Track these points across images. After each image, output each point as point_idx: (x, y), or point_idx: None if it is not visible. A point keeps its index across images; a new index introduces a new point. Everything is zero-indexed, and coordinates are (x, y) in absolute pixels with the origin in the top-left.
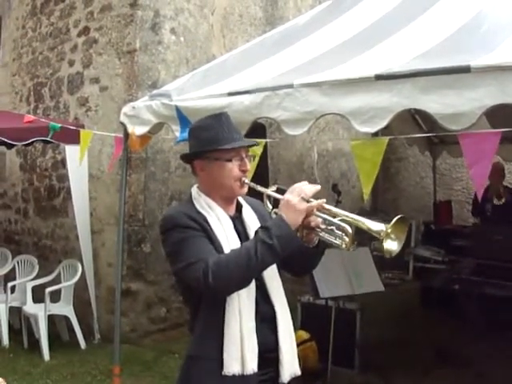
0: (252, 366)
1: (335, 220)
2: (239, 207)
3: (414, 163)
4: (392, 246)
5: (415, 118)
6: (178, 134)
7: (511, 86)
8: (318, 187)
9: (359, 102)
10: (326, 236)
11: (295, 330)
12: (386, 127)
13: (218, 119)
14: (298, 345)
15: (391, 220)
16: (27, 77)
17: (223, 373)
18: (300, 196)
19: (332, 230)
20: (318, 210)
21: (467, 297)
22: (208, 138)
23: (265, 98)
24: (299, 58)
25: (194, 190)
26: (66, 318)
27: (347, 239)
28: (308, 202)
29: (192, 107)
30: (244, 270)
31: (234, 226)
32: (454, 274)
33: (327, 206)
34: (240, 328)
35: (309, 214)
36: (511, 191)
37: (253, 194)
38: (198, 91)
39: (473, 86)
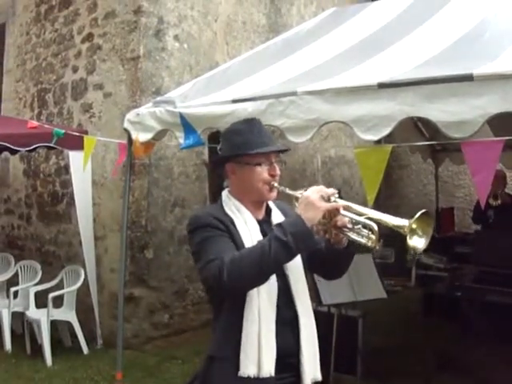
0: (269, 369)
1: (361, 218)
2: (268, 211)
3: (416, 170)
4: (418, 242)
5: (417, 126)
6: (182, 140)
7: None
8: (335, 190)
9: (362, 109)
10: (354, 236)
11: None
12: (389, 135)
13: (250, 124)
14: None
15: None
16: (31, 83)
17: (239, 374)
18: (319, 194)
19: (359, 229)
20: (345, 209)
21: (469, 304)
22: (239, 143)
23: (268, 106)
24: (303, 66)
25: (225, 194)
26: (69, 324)
27: (373, 237)
28: (330, 201)
29: (196, 114)
30: (257, 266)
31: (262, 230)
32: (457, 282)
33: (352, 205)
34: (258, 330)
35: (335, 213)
36: (511, 196)
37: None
38: (201, 98)
39: (475, 94)
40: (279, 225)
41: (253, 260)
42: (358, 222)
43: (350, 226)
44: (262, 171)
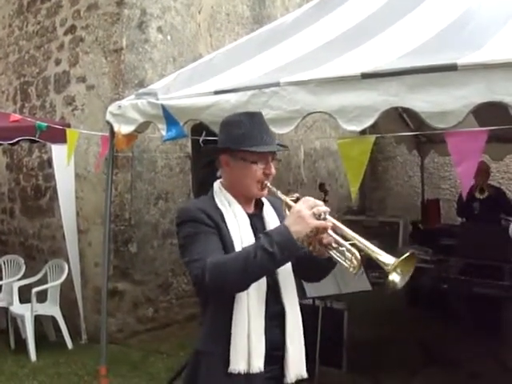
0: (258, 365)
1: (346, 243)
2: (260, 205)
3: (401, 162)
4: (396, 279)
5: (403, 117)
6: (164, 132)
7: (498, 84)
8: (328, 209)
9: (345, 100)
10: (337, 255)
11: None
12: (374, 126)
13: (251, 118)
14: None
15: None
16: (13, 76)
17: (229, 370)
18: (312, 210)
19: (343, 250)
20: (333, 229)
21: (455, 296)
22: (237, 136)
23: (251, 97)
24: (286, 57)
25: (217, 185)
26: (53, 319)
27: (356, 263)
28: (320, 218)
29: (178, 106)
30: (240, 274)
31: (252, 224)
32: (442, 274)
33: (342, 227)
34: (248, 326)
35: (321, 231)
36: (495, 188)
37: None
38: (184, 90)
39: (460, 84)
40: (266, 234)
41: (237, 266)
42: (342, 245)
43: (334, 245)
44: (257, 170)
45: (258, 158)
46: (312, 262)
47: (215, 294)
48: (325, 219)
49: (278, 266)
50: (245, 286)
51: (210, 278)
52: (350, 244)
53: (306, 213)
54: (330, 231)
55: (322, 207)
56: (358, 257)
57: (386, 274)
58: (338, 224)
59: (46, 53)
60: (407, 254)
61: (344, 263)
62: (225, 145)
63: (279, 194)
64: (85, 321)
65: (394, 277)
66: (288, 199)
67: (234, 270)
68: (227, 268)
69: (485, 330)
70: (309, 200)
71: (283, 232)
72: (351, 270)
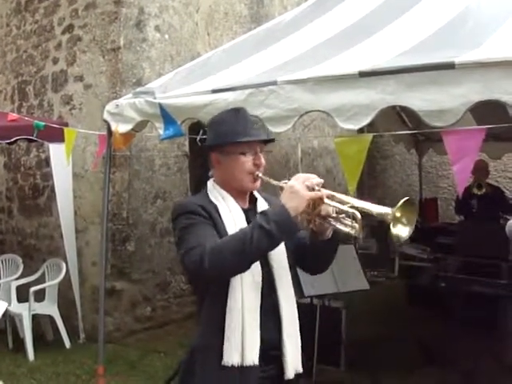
0: (252, 358)
1: (344, 207)
2: (254, 200)
3: (400, 161)
4: (401, 231)
5: (401, 116)
6: (161, 131)
7: (496, 82)
8: (321, 180)
9: (343, 98)
10: (338, 225)
11: None
12: (372, 125)
13: (235, 114)
14: None
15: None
16: (11, 75)
17: (223, 363)
18: (304, 183)
19: (343, 217)
20: (328, 198)
21: (453, 294)
22: (223, 132)
23: (248, 95)
24: (284, 56)
25: (210, 183)
26: (51, 318)
27: (357, 226)
28: (314, 190)
29: (175, 105)
30: (239, 253)
31: (247, 219)
32: (440, 272)
33: (336, 194)
34: (242, 318)
35: (318, 202)
36: (493, 186)
37: None
38: (181, 89)
39: (457, 83)
40: (263, 213)
41: (235, 247)
42: (341, 211)
43: (333, 215)
44: (246, 161)
45: (245, 149)
46: (315, 249)
47: (215, 279)
48: (319, 191)
49: (276, 244)
50: (244, 267)
51: (209, 262)
52: (348, 207)
53: (299, 187)
54: (327, 200)
55: (315, 179)
56: (359, 216)
57: (388, 227)
58: (332, 193)
59: (44, 52)
60: (404, 199)
61: (346, 229)
62: (212, 142)
63: (272, 181)
64: (82, 320)
65: (398, 229)
66: (281, 183)
67: (232, 250)
68: (225, 249)
69: (483, 329)
70: (299, 176)
71: (279, 209)
72: (354, 233)
